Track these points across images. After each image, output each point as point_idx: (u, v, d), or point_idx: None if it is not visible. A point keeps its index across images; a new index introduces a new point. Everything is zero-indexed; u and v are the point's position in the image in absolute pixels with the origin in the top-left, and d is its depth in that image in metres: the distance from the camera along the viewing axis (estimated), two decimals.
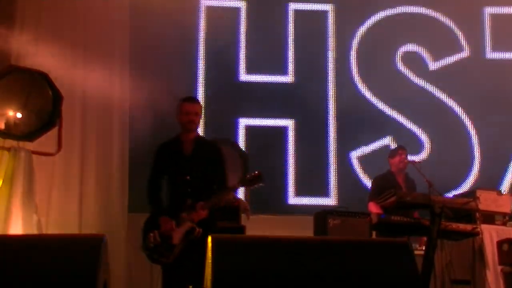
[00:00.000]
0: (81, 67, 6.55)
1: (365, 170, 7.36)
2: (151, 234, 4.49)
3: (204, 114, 7.31)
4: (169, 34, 7.11)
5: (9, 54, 6.18)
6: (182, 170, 4.61)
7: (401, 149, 6.46)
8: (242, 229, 5.36)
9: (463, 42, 7.82)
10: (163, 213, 4.55)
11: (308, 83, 7.59)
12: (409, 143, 7.17)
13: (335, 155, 7.40)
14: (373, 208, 5.98)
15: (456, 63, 7.77)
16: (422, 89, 7.65)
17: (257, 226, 5.90)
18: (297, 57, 7.63)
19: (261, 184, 4.56)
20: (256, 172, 4.58)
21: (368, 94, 7.59)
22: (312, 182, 7.31)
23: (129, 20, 7.05)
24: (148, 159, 6.68)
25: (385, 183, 6.17)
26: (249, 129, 7.39)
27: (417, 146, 7.44)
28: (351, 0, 7.84)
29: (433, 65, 7.75)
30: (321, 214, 5.80)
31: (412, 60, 7.72)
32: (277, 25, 7.66)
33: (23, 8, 6.55)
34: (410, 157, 6.43)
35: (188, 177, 4.58)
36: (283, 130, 7.45)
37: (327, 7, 7.79)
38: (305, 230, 6.04)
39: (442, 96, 7.63)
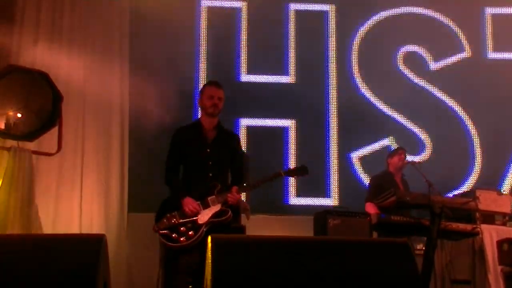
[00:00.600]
0: (81, 67, 6.56)
1: (365, 170, 7.36)
2: (173, 213, 4.40)
3: None
4: (169, 34, 7.11)
5: (9, 54, 6.19)
6: (204, 155, 4.54)
7: (401, 149, 6.49)
8: (242, 229, 5.36)
9: (463, 42, 7.82)
10: (186, 195, 4.45)
11: (308, 83, 7.60)
12: (409, 143, 7.19)
13: (335, 156, 7.41)
14: (370, 208, 5.98)
15: (456, 63, 7.77)
16: (423, 89, 7.65)
17: (257, 226, 5.91)
18: (297, 57, 7.63)
19: (306, 175, 4.65)
20: (303, 165, 4.71)
21: (368, 94, 7.59)
22: (312, 183, 7.30)
23: (129, 20, 7.05)
24: (148, 159, 6.69)
25: (383, 183, 6.17)
26: (249, 129, 7.39)
27: (417, 146, 7.44)
28: (351, 0, 7.84)
29: (433, 66, 7.75)
30: (321, 214, 5.81)
31: (413, 60, 7.72)
32: (277, 25, 7.67)
33: (23, 8, 6.56)
34: (410, 158, 6.45)
35: (210, 163, 4.52)
36: (283, 130, 7.45)
37: (327, 7, 7.80)
38: (305, 230, 6.05)
39: (443, 97, 7.63)
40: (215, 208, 4.39)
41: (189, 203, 4.39)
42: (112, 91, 6.72)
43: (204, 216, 4.37)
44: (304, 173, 4.65)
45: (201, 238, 4.28)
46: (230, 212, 4.41)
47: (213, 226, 4.35)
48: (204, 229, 4.33)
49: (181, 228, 4.35)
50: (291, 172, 4.73)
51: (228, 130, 4.86)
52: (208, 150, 4.55)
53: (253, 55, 7.57)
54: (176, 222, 4.36)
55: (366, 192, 6.43)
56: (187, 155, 4.61)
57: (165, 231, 4.36)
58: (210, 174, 4.49)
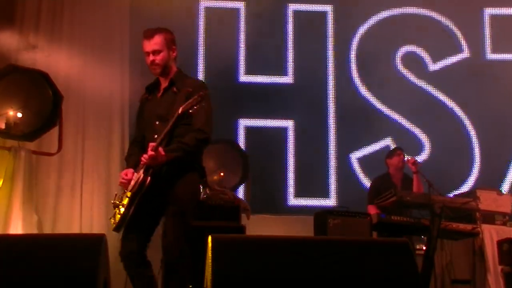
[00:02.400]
0: (81, 67, 6.56)
1: (365, 171, 7.36)
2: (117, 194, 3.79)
3: None
4: None
5: (9, 54, 6.19)
6: (151, 114, 3.87)
7: (399, 149, 6.48)
8: (242, 229, 5.36)
9: (463, 43, 7.82)
10: (128, 167, 3.81)
11: (308, 84, 7.59)
12: (409, 143, 7.18)
13: (335, 156, 7.40)
14: (373, 210, 5.99)
15: (456, 64, 7.77)
16: (422, 90, 7.65)
17: (257, 226, 5.91)
18: (297, 58, 7.62)
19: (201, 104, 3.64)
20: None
21: (368, 95, 7.59)
22: (312, 183, 7.31)
23: (129, 20, 7.05)
24: None
25: (381, 184, 6.18)
26: (249, 130, 7.39)
27: (417, 147, 7.44)
28: (350, 1, 7.84)
29: (433, 66, 7.75)
30: (321, 214, 5.80)
31: (412, 61, 7.72)
32: (277, 25, 7.67)
33: (23, 8, 6.56)
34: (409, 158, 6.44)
35: (157, 122, 3.81)
36: (283, 131, 7.45)
37: (327, 8, 7.80)
38: (305, 230, 6.04)
39: (442, 97, 7.63)
40: (138, 175, 3.67)
41: (120, 176, 3.79)
42: (112, 90, 6.72)
43: (130, 186, 3.69)
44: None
45: (129, 214, 3.63)
46: (148, 178, 3.60)
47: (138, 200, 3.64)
48: (131, 204, 3.63)
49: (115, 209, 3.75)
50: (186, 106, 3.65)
51: (186, 80, 3.96)
52: (156, 109, 3.87)
53: (253, 56, 7.57)
54: (114, 202, 3.75)
55: (367, 195, 6.44)
56: (139, 117, 4.03)
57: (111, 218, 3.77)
58: (155, 136, 3.72)
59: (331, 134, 7.47)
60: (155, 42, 3.88)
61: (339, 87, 7.61)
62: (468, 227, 5.58)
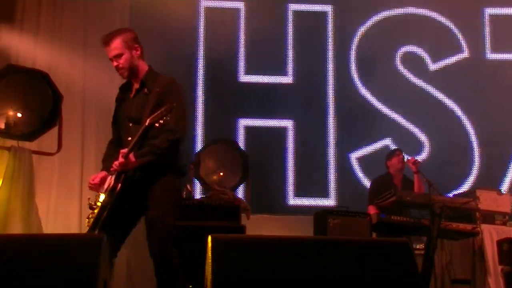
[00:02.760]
0: (81, 67, 6.56)
1: (365, 171, 7.36)
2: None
3: (204, 114, 7.34)
4: (169, 34, 7.12)
5: (9, 54, 6.19)
6: (124, 116, 3.84)
7: (398, 150, 6.49)
8: (242, 229, 5.36)
9: (463, 42, 7.82)
10: (102, 169, 3.81)
11: (308, 83, 7.60)
12: (409, 143, 7.19)
13: (335, 156, 7.41)
14: (373, 210, 5.99)
15: (456, 64, 7.78)
16: (422, 90, 7.65)
17: (257, 226, 5.91)
18: (297, 58, 7.63)
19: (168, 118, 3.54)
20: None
21: (368, 94, 7.59)
22: (312, 183, 7.31)
23: (129, 20, 7.05)
24: None
25: (381, 185, 6.18)
26: (249, 129, 7.39)
27: (417, 146, 7.44)
28: (350, 0, 7.84)
29: (433, 66, 7.76)
30: (321, 214, 5.80)
31: (412, 61, 7.72)
32: (277, 25, 7.67)
33: (23, 8, 6.56)
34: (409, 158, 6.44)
35: (130, 124, 3.77)
36: (283, 130, 7.45)
37: (327, 7, 7.80)
38: (305, 230, 6.04)
39: (442, 97, 7.63)
40: (110, 181, 3.66)
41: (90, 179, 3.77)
42: (112, 90, 6.69)
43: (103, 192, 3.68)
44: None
45: (101, 217, 3.59)
46: (118, 185, 3.58)
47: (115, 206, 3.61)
48: (103, 209, 3.60)
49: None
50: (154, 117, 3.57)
51: (157, 79, 3.85)
52: (128, 110, 3.82)
53: (253, 55, 7.57)
54: (90, 203, 3.74)
55: (367, 195, 6.44)
56: (114, 118, 3.98)
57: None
58: (129, 138, 3.71)
59: (331, 133, 7.47)
60: (114, 47, 3.79)
61: (339, 87, 7.61)
62: (468, 227, 5.58)
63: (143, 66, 3.90)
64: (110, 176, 3.69)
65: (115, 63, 3.80)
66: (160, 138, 3.65)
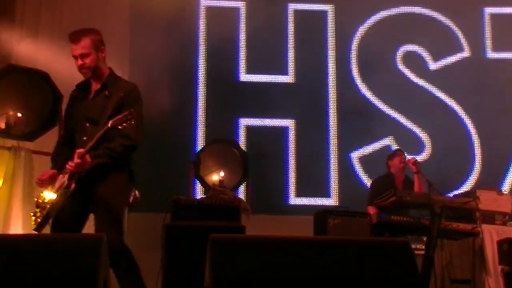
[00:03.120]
0: None
1: (366, 170, 7.36)
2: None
3: (204, 114, 7.34)
4: (169, 34, 7.11)
5: (9, 54, 6.19)
6: (81, 116, 3.81)
7: (400, 151, 6.49)
8: (242, 229, 5.35)
9: (463, 42, 7.82)
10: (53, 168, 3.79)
11: (308, 83, 7.60)
12: (409, 143, 7.20)
13: (335, 156, 7.41)
14: (373, 210, 5.98)
15: (456, 63, 7.78)
16: (422, 89, 7.65)
17: (257, 226, 5.90)
18: (297, 57, 7.63)
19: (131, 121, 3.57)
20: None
21: (368, 94, 7.60)
22: (312, 183, 7.32)
23: (129, 20, 7.06)
24: (148, 159, 6.67)
25: (382, 185, 6.18)
26: (249, 129, 7.39)
27: (418, 146, 7.44)
28: (351, 0, 7.84)
29: (433, 65, 7.76)
30: (321, 214, 5.80)
31: (412, 60, 7.72)
32: (277, 25, 7.67)
33: (23, 7, 6.56)
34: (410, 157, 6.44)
35: (87, 125, 3.76)
36: (283, 130, 7.45)
37: (327, 7, 7.80)
38: (305, 230, 6.04)
39: (442, 96, 7.63)
40: (63, 180, 3.67)
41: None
42: None
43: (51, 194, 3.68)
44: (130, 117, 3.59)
45: (46, 221, 3.61)
46: (73, 184, 3.60)
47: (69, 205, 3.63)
48: (51, 209, 3.62)
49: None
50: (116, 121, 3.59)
51: (119, 83, 3.89)
52: (87, 111, 3.80)
53: (253, 55, 7.57)
54: (37, 201, 3.73)
55: (367, 195, 6.44)
56: (67, 116, 3.98)
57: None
58: (84, 138, 3.71)
59: (331, 133, 7.47)
60: (83, 46, 3.79)
61: (339, 86, 7.62)
62: (468, 227, 5.58)
63: (106, 69, 3.92)
64: (62, 175, 3.69)
65: (80, 62, 3.78)
66: (115, 142, 3.69)
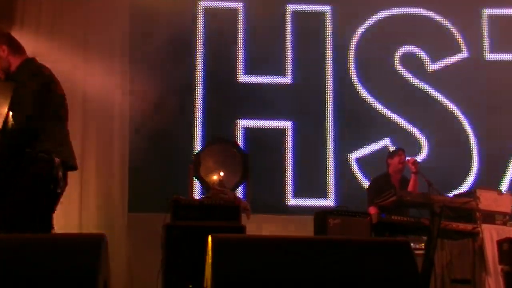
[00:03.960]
0: (81, 67, 6.56)
1: (365, 171, 7.36)
2: None
3: (204, 115, 7.34)
4: (169, 35, 7.11)
5: None
6: None
7: (401, 150, 6.49)
8: (242, 229, 5.35)
9: (462, 43, 7.82)
10: None
11: (308, 84, 7.60)
12: (408, 143, 7.19)
13: (334, 156, 7.40)
14: (373, 210, 5.99)
15: (455, 64, 7.77)
16: (421, 90, 7.65)
17: (257, 226, 5.91)
18: (296, 58, 7.63)
19: None
20: None
21: (367, 95, 7.59)
22: (311, 184, 7.31)
23: (129, 20, 7.06)
24: (149, 159, 6.67)
25: (380, 185, 6.18)
26: (248, 130, 7.38)
27: (417, 147, 7.44)
28: (350, 0, 7.84)
29: (432, 66, 7.75)
30: (321, 214, 5.80)
31: (412, 61, 7.72)
32: (276, 25, 7.66)
33: (23, 8, 6.56)
34: (409, 158, 6.44)
35: None
36: (282, 131, 7.45)
37: (326, 7, 7.80)
38: (305, 230, 6.04)
39: (442, 97, 7.63)
40: None
41: None
42: (113, 90, 6.72)
43: None
44: None
45: None
46: None
47: None
48: None
49: None
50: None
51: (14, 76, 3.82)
52: None
53: (252, 56, 7.57)
54: None
55: (367, 195, 6.43)
56: None
57: None
58: None
59: (330, 134, 7.47)
60: None
61: (338, 87, 7.61)
62: (468, 227, 5.57)
63: (15, 61, 3.87)
64: None
65: None
66: None
